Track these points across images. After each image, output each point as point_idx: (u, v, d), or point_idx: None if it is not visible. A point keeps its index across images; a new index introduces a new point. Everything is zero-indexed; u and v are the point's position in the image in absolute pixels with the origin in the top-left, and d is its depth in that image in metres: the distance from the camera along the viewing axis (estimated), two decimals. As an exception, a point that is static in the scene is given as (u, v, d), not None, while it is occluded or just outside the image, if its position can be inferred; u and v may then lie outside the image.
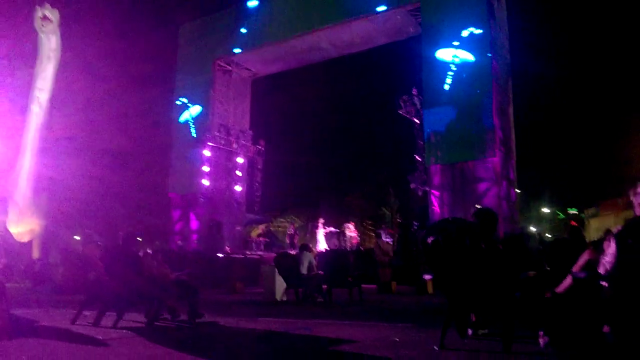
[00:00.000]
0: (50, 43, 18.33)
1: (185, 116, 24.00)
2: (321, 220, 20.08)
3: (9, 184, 19.50)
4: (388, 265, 13.25)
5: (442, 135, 17.57)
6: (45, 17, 17.75)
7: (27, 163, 19.13)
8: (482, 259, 4.62)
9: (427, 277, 11.59)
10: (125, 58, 30.68)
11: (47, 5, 17.98)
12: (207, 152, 22.42)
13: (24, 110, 21.10)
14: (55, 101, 20.52)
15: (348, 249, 18.04)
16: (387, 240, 16.88)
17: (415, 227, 16.56)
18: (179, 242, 22.37)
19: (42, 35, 18.44)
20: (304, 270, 10.23)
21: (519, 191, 19.07)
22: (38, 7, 17.96)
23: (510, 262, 5.04)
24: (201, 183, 22.36)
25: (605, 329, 3.92)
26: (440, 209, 17.31)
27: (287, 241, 21.14)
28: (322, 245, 18.85)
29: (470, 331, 5.11)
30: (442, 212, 17.14)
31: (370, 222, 35.74)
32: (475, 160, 17.18)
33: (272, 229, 27.04)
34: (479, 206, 14.64)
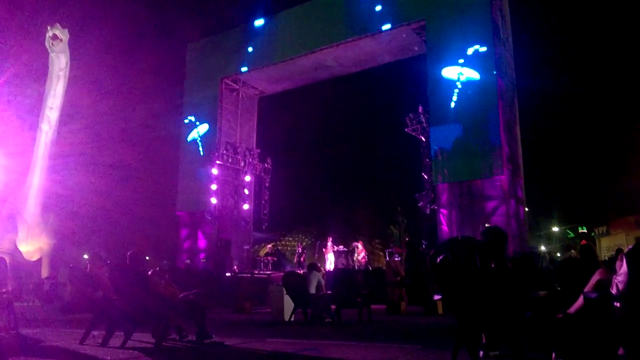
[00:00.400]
0: (60, 62, 18.61)
1: (193, 135, 24.18)
2: (329, 239, 20.04)
3: (18, 201, 19.66)
4: (399, 285, 13.13)
5: (449, 153, 17.58)
6: (55, 37, 18.04)
7: (36, 181, 19.28)
8: (491, 279, 4.59)
9: (436, 297, 11.48)
10: (134, 76, 31.09)
11: (58, 25, 18.29)
12: (215, 171, 22.52)
13: (33, 127, 21.36)
14: (64, 118, 20.75)
15: (356, 268, 17.95)
16: (398, 259, 16.77)
17: (424, 246, 16.48)
18: (187, 261, 22.36)
19: (52, 55, 18.73)
20: (312, 289, 10.17)
21: (527, 209, 18.97)
22: (49, 27, 18.28)
23: (521, 281, 5.00)
24: (209, 201, 22.42)
25: (620, 351, 3.87)
26: (448, 227, 17.25)
27: (295, 260, 21.08)
28: (330, 264, 18.77)
29: (481, 353, 5.06)
30: (451, 230, 17.07)
31: (378, 241, 35.61)
32: (483, 179, 17.14)
33: (279, 247, 26.99)
34: (487, 225, 14.60)
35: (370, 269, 18.19)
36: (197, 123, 24.26)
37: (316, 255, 20.81)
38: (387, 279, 13.30)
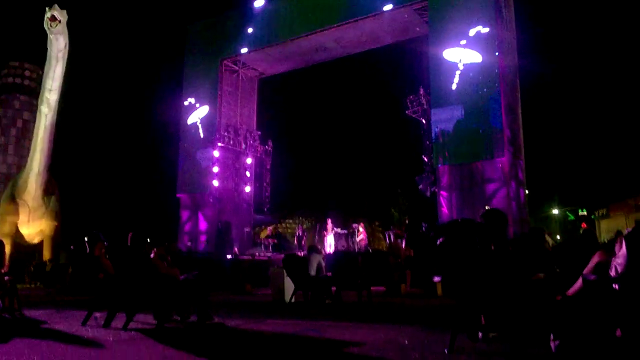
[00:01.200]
0: (58, 43, 18.43)
1: (193, 118, 24.07)
2: (329, 221, 20.08)
3: (19, 185, 19.68)
4: (401, 267, 13.19)
5: (450, 135, 17.52)
6: (53, 18, 17.82)
7: (37, 164, 19.27)
8: (491, 260, 4.61)
9: (436, 279, 11.52)
10: (133, 58, 30.92)
11: (56, 6, 18.06)
12: (216, 153, 22.48)
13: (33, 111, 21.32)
14: (64, 101, 20.66)
15: (356, 250, 18.01)
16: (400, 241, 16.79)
17: (424, 228, 16.50)
18: (188, 243, 22.44)
19: (50, 36, 18.54)
20: (312, 271, 10.24)
21: (528, 192, 18.98)
22: (47, 8, 18.07)
23: (520, 263, 5.02)
24: (210, 184, 22.42)
25: (618, 332, 3.90)
26: (449, 209, 17.26)
27: (296, 242, 21.14)
28: (329, 247, 18.82)
29: (480, 334, 5.10)
30: (451, 213, 17.09)
31: (378, 223, 35.67)
32: (484, 161, 17.11)
33: (280, 230, 27.07)
34: (488, 207, 14.60)
35: (371, 251, 18.25)
36: (197, 105, 24.13)
37: (316, 237, 20.85)
38: (390, 261, 13.36)
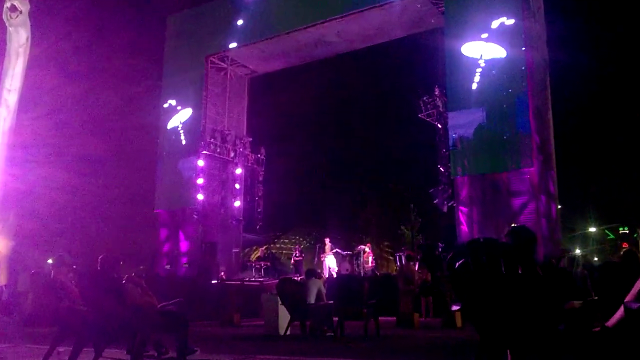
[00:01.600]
0: (19, 37, 18.58)
1: (174, 122, 24.11)
2: (327, 240, 20.07)
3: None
4: (414, 294, 13.18)
5: (469, 141, 17.56)
6: (14, 8, 17.97)
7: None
8: (518, 286, 4.60)
9: (454, 307, 11.52)
10: (105, 53, 31.03)
11: (17, -6, 18.24)
12: (201, 162, 22.49)
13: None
14: (25, 103, 20.74)
15: (362, 274, 17.99)
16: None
17: (440, 249, 16.50)
18: (167, 266, 22.39)
19: (10, 29, 18.69)
20: (311, 299, 10.21)
21: (560, 207, 19.00)
22: (6, -3, 18.24)
23: (552, 289, 5.01)
24: (193, 197, 22.39)
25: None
26: (468, 227, 17.26)
27: (292, 265, 21.12)
28: (328, 270, 18.80)
29: (506, 371, 5.07)
30: (471, 231, 17.09)
31: (387, 244, 35.65)
32: (509, 171, 17.14)
33: (273, 251, 27.05)
34: (514, 224, 14.61)
35: (378, 274, 18.24)
36: (179, 108, 24.20)
37: (315, 259, 20.85)
38: (400, 287, 13.35)
